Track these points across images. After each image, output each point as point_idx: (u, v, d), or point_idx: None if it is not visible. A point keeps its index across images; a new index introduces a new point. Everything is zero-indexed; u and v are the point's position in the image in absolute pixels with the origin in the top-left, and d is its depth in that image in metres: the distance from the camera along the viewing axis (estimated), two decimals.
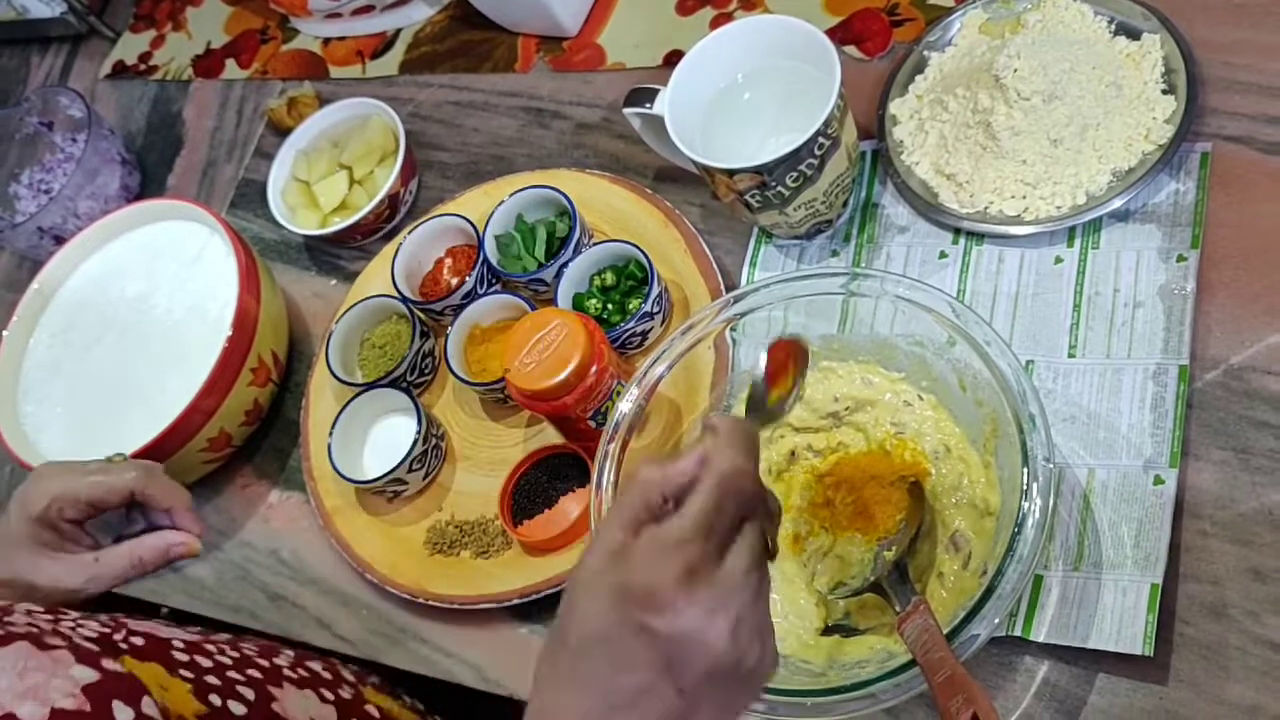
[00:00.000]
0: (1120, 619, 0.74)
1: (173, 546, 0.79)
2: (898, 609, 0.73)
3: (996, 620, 0.68)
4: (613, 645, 0.54)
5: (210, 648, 0.77)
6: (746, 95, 0.92)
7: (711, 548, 0.55)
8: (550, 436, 0.96)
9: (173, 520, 0.83)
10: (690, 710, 0.55)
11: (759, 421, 0.64)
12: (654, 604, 0.53)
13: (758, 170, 0.84)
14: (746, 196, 0.87)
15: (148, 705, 0.65)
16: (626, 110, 0.92)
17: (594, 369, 0.86)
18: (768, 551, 0.58)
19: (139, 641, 0.71)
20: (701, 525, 0.55)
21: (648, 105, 0.91)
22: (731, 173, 0.85)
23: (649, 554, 0.54)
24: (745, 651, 0.55)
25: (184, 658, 0.72)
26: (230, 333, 1.00)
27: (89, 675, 0.64)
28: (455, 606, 0.92)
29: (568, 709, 0.56)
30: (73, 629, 0.69)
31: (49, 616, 0.69)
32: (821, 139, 0.83)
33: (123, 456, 0.84)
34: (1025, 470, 0.71)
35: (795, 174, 0.85)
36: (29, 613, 0.69)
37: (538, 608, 0.91)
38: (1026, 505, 0.70)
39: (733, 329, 0.86)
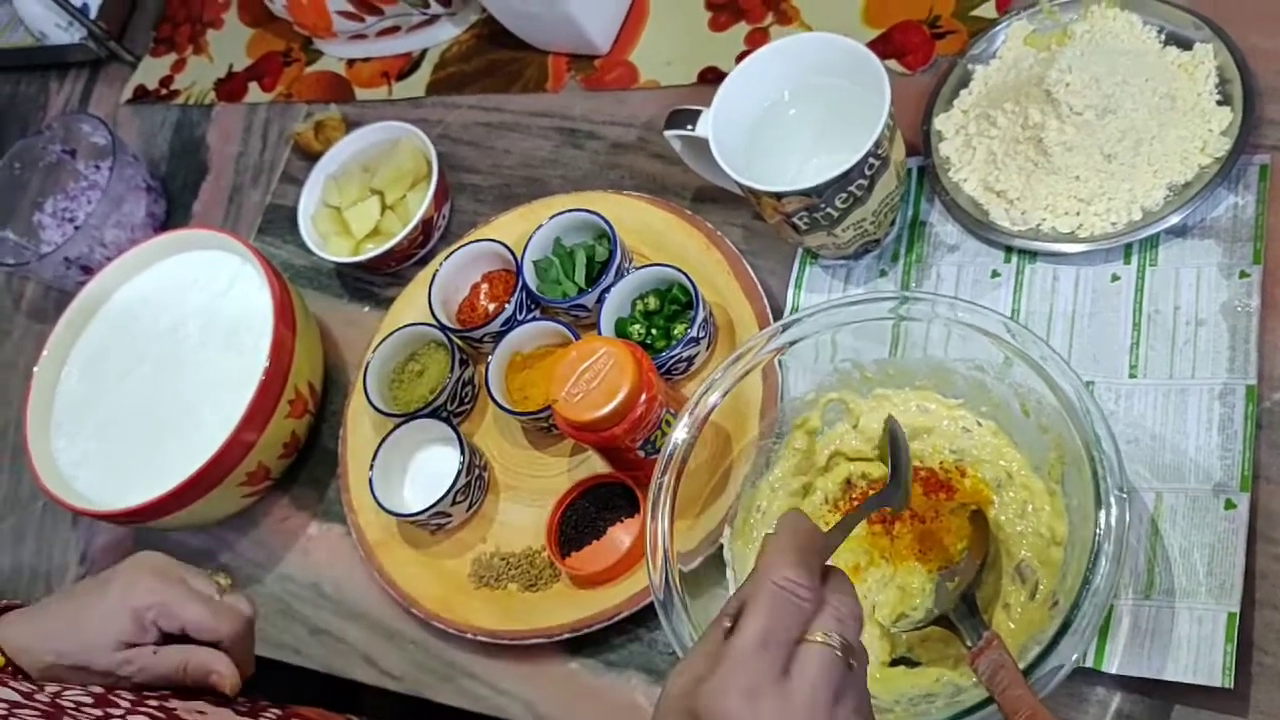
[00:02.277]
0: (1197, 649, 0.72)
1: (213, 674, 0.79)
2: (969, 644, 0.71)
3: (1074, 656, 0.66)
4: None
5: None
6: (792, 111, 0.90)
7: (771, 662, 0.53)
8: (596, 465, 0.95)
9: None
10: None
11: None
12: None
13: (807, 193, 0.82)
14: (794, 219, 0.86)
15: None
16: (668, 133, 0.91)
17: (643, 398, 0.84)
18: (846, 658, 0.55)
19: None
20: (757, 640, 0.53)
21: (690, 127, 0.89)
22: (780, 195, 0.84)
23: (713, 674, 0.53)
24: None
25: None
26: (267, 364, 0.99)
27: None
28: (504, 642, 0.91)
29: None
30: None
31: (99, 713, 0.69)
32: (872, 159, 0.81)
33: (229, 583, 0.84)
34: (1097, 501, 0.69)
35: (845, 195, 0.83)
36: (89, 689, 0.68)
37: (589, 641, 0.90)
38: (1100, 536, 0.68)
39: (781, 356, 0.85)
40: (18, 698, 0.67)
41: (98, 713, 0.70)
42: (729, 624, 0.55)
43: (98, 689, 0.74)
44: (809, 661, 0.54)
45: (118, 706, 0.72)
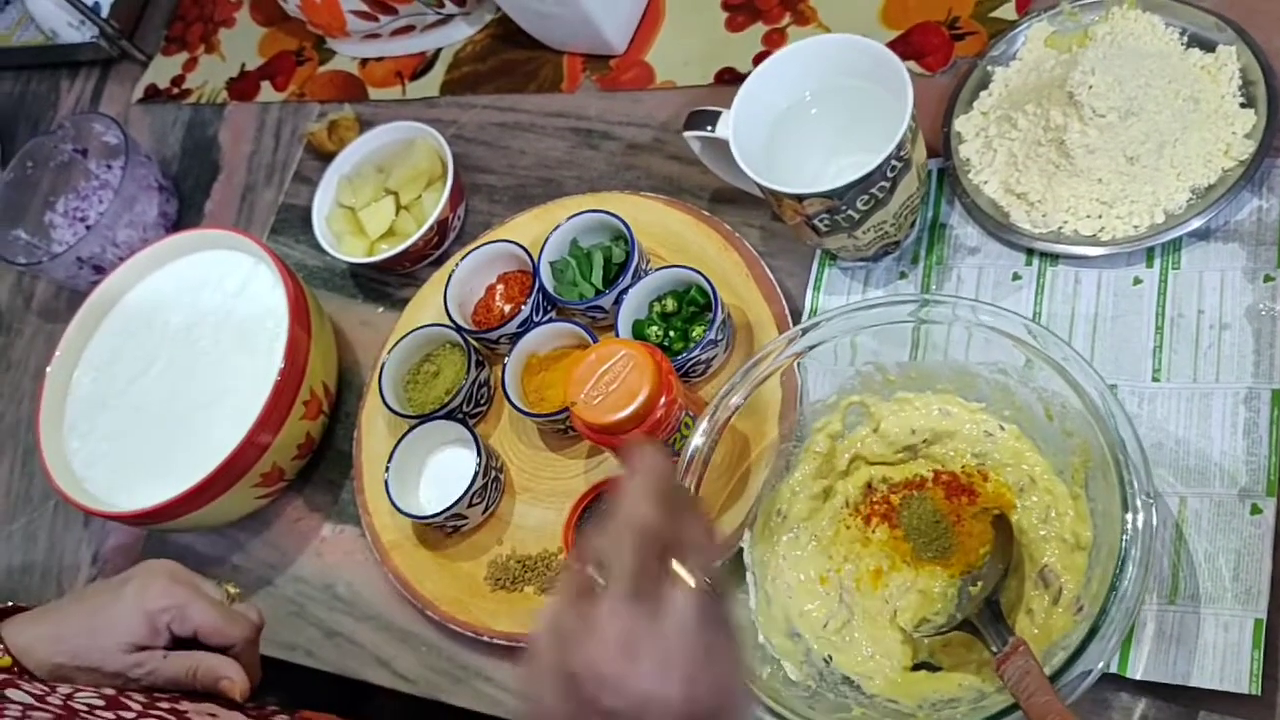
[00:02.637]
0: (1224, 655, 0.71)
1: (222, 680, 0.79)
2: (994, 649, 0.70)
3: (1102, 662, 0.66)
4: None
5: None
6: (814, 111, 0.89)
7: (643, 613, 0.54)
8: (613, 467, 0.94)
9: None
10: None
11: None
12: (603, 684, 0.53)
13: (829, 195, 0.82)
14: (815, 220, 0.85)
15: None
16: (687, 134, 0.90)
17: (662, 401, 0.83)
18: (707, 584, 0.56)
19: None
20: (625, 589, 0.54)
21: (709, 128, 0.88)
22: (801, 197, 0.83)
23: (585, 634, 0.54)
24: (706, 696, 0.54)
25: None
26: (282, 365, 0.98)
27: None
28: (520, 645, 0.90)
29: None
30: None
31: (111, 716, 0.68)
32: (895, 161, 0.81)
33: (238, 592, 0.85)
34: (1124, 505, 0.68)
35: (867, 197, 0.82)
36: (101, 691, 0.68)
37: None
38: (1127, 540, 0.68)
39: (800, 360, 0.84)
40: (31, 700, 0.66)
41: (110, 715, 0.70)
42: (591, 572, 0.55)
43: (109, 691, 0.73)
44: (679, 604, 0.54)
45: (129, 709, 0.72)
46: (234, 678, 0.79)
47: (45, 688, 0.70)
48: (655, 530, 0.55)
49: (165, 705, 0.74)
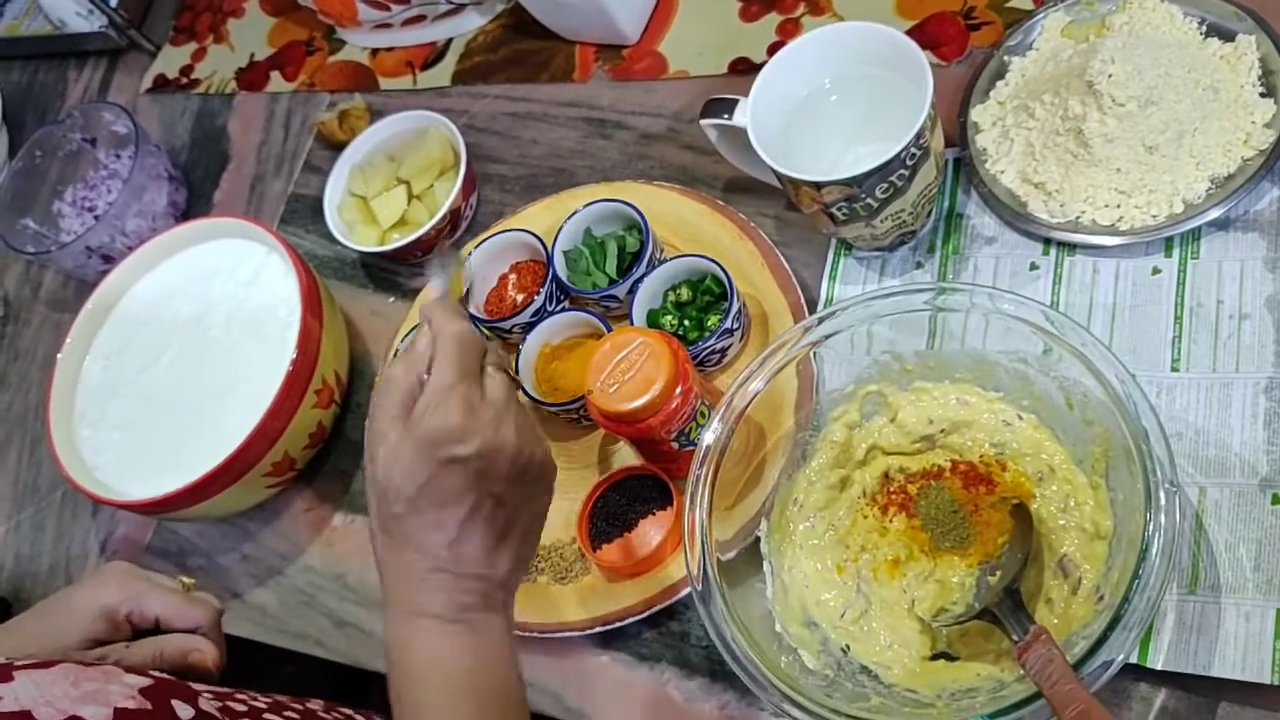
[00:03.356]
0: (1245, 645, 0.71)
1: (192, 653, 0.79)
2: (1015, 638, 0.70)
3: (1125, 651, 0.65)
4: (432, 486, 0.64)
5: (240, 698, 0.75)
6: (834, 99, 0.89)
7: (474, 386, 0.66)
8: (627, 457, 0.94)
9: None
10: (511, 511, 0.67)
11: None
12: (454, 436, 0.64)
13: (848, 183, 0.81)
14: (832, 209, 0.85)
15: (205, 702, 0.65)
16: (704, 122, 0.90)
17: (679, 390, 0.83)
18: (512, 377, 0.71)
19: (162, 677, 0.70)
20: (459, 371, 0.66)
21: (726, 116, 0.88)
22: (820, 185, 0.83)
23: (429, 409, 0.65)
24: (531, 448, 0.68)
25: (215, 703, 0.72)
26: (295, 355, 0.98)
27: (142, 680, 0.64)
28: (533, 634, 0.90)
29: (413, 567, 0.66)
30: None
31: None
32: (914, 149, 0.81)
33: (193, 583, 0.85)
34: (1148, 494, 0.68)
35: (885, 185, 0.82)
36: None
37: (619, 634, 0.89)
38: (1151, 530, 0.67)
39: (816, 350, 0.84)
40: None
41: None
42: (419, 382, 0.67)
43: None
44: (499, 382, 0.68)
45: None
46: (203, 649, 0.79)
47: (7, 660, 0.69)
48: (468, 335, 0.68)
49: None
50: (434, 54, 1.25)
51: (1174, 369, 0.81)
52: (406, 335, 1.02)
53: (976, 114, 0.94)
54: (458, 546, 0.66)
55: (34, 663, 0.63)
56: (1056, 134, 0.87)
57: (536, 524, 0.72)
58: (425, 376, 0.67)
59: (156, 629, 0.81)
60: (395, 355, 0.71)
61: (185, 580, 0.85)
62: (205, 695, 0.70)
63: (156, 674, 0.67)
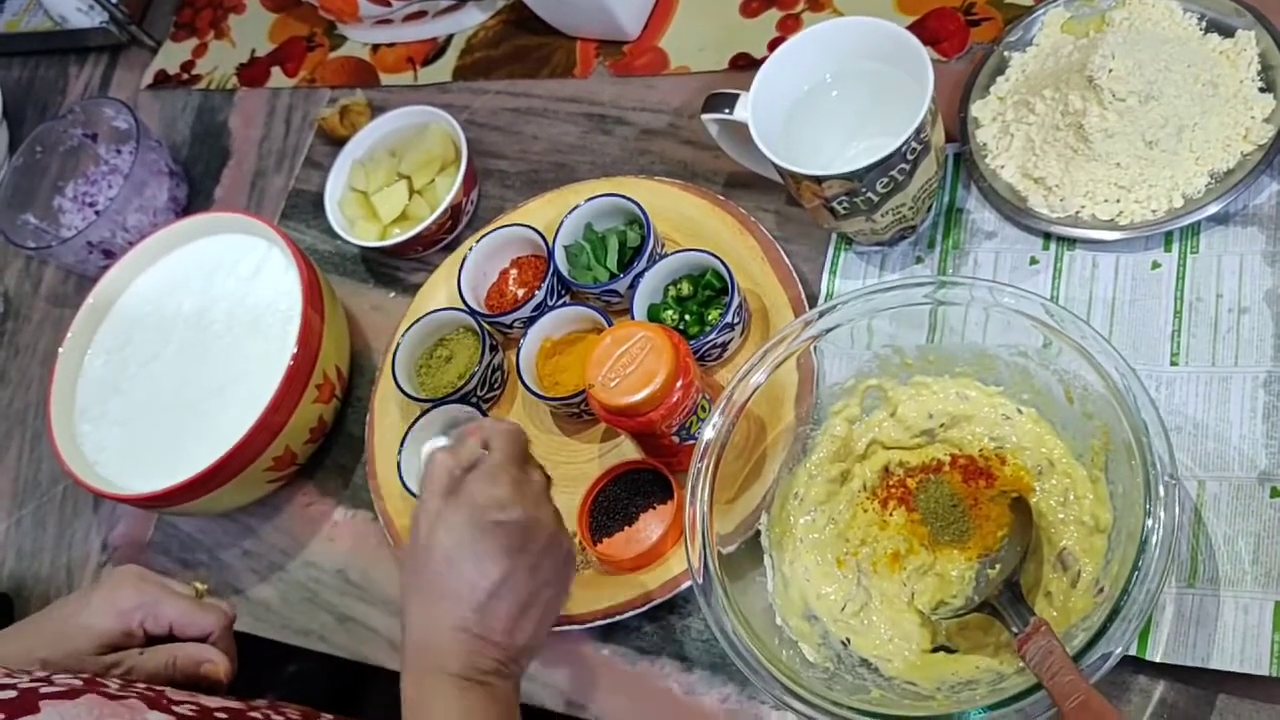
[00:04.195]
0: (1243, 638, 0.71)
1: (204, 664, 0.80)
2: (1014, 630, 0.70)
3: (1124, 643, 0.66)
4: (475, 546, 0.70)
5: (254, 715, 0.76)
6: (835, 93, 0.89)
7: (520, 469, 0.74)
8: (627, 451, 0.94)
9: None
10: (539, 586, 0.72)
11: None
12: (499, 504, 0.70)
13: (849, 177, 0.82)
14: (833, 203, 0.85)
15: None
16: (705, 116, 0.90)
17: (680, 384, 0.83)
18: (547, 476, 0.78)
19: (186, 712, 0.70)
20: (510, 457, 0.74)
21: (727, 111, 0.88)
22: (821, 179, 0.83)
23: (480, 483, 0.71)
24: (564, 530, 0.75)
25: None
26: (295, 349, 0.98)
27: (165, 718, 0.65)
28: None
29: (440, 622, 0.70)
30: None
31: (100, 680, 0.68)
32: (914, 143, 0.81)
33: (206, 588, 0.86)
34: (1148, 487, 0.68)
35: (886, 179, 0.82)
36: (78, 674, 0.68)
37: (620, 628, 0.89)
38: (1150, 523, 0.67)
39: (817, 344, 0.84)
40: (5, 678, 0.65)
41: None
42: (462, 473, 0.73)
43: (82, 678, 0.72)
44: (539, 475, 0.77)
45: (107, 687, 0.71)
46: (215, 660, 0.80)
47: (20, 671, 0.69)
48: (520, 432, 0.76)
49: (142, 685, 0.74)
50: (435, 50, 1.25)
51: (1173, 363, 0.81)
52: (406, 331, 1.02)
53: (977, 109, 0.94)
54: (486, 609, 0.70)
55: (59, 691, 0.63)
56: (1056, 129, 0.88)
57: (555, 606, 0.75)
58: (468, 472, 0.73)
59: (170, 635, 0.81)
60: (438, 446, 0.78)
61: (198, 586, 0.86)
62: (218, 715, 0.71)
63: (179, 711, 0.68)
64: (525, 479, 0.74)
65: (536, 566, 0.72)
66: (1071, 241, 0.88)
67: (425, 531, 0.71)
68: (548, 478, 0.78)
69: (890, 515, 0.83)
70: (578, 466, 0.96)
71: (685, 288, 0.95)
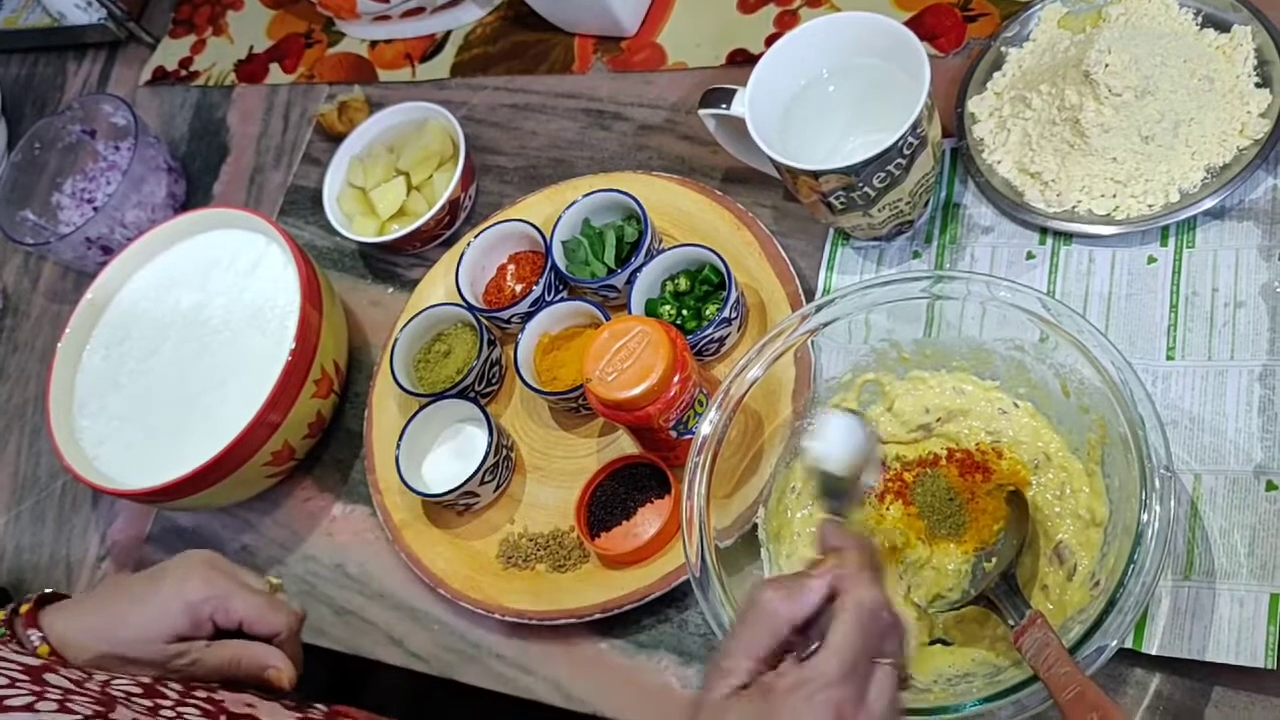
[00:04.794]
0: (1239, 630, 0.71)
1: (269, 669, 0.78)
2: (1011, 623, 0.70)
3: (1120, 635, 0.66)
4: None
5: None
6: (831, 89, 0.89)
7: (857, 689, 0.57)
8: (625, 446, 0.94)
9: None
10: None
11: (846, 512, 0.67)
12: None
13: (846, 171, 0.82)
14: (830, 198, 0.85)
15: None
16: (702, 111, 0.90)
17: (677, 378, 0.83)
18: (903, 682, 0.61)
19: None
20: (848, 666, 0.56)
21: (724, 106, 0.88)
22: (818, 174, 0.83)
23: (798, 699, 0.56)
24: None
25: None
26: (294, 345, 0.98)
27: None
28: (532, 622, 0.90)
29: None
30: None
31: (148, 703, 0.68)
32: (911, 138, 0.81)
33: (280, 583, 0.84)
34: (1144, 480, 0.68)
35: (883, 174, 0.82)
36: (128, 698, 0.67)
37: (619, 622, 0.89)
38: (1146, 516, 0.68)
39: (814, 338, 0.84)
40: (70, 685, 0.65)
41: (147, 703, 0.69)
42: (793, 634, 0.58)
43: (146, 679, 0.72)
44: (884, 684, 0.58)
45: (166, 697, 0.71)
46: (280, 666, 0.78)
47: (83, 673, 0.69)
48: (880, 613, 0.59)
49: (202, 694, 0.74)
50: (433, 46, 1.25)
51: (1169, 357, 0.81)
52: (404, 326, 1.02)
53: (973, 104, 0.94)
54: None
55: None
56: (1053, 124, 0.88)
57: None
58: (798, 637, 0.59)
59: (239, 629, 0.80)
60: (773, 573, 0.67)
61: (272, 581, 0.84)
62: None
63: None
64: (858, 708, 0.57)
65: None
66: (1068, 236, 0.88)
67: (710, 709, 0.57)
68: (904, 679, 0.63)
69: (887, 509, 0.83)
70: (576, 461, 0.96)
71: (683, 283, 0.96)
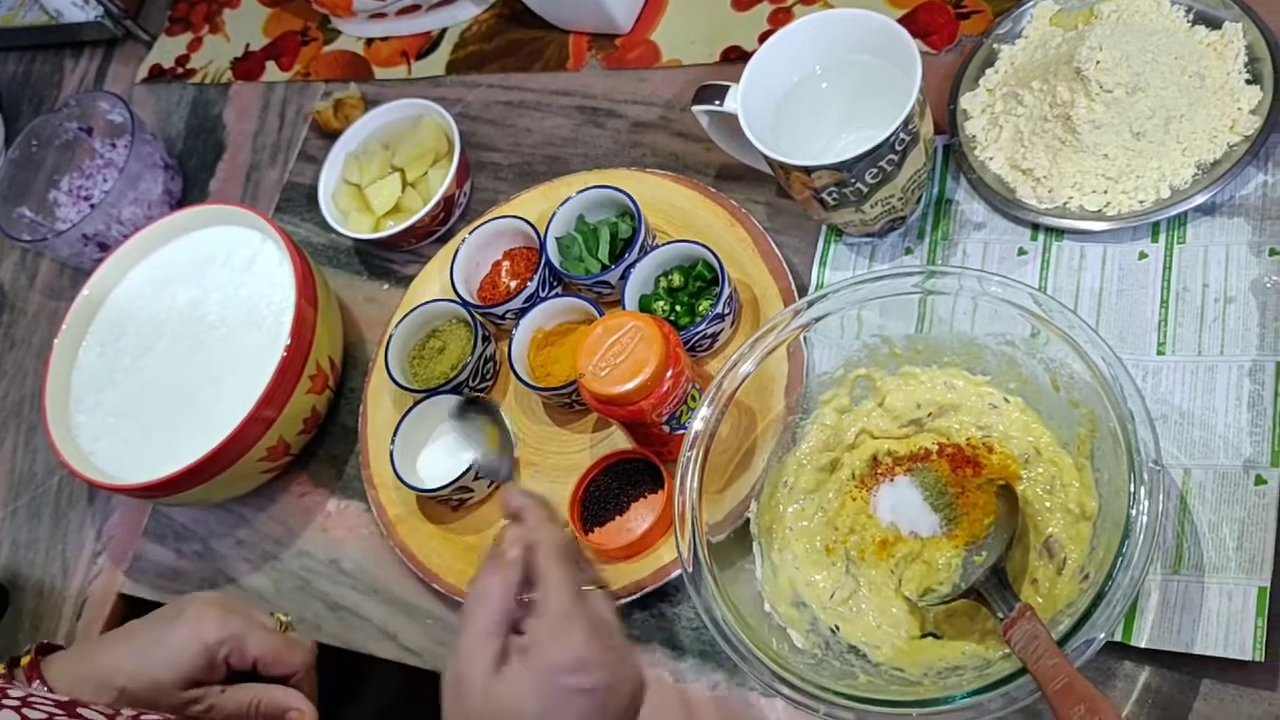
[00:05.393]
0: (1227, 623, 0.72)
1: (290, 711, 0.77)
2: (1000, 615, 0.71)
3: (1108, 628, 0.66)
4: (551, 716, 0.62)
5: None
6: (824, 85, 0.90)
7: (586, 613, 0.65)
8: (618, 441, 0.95)
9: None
10: None
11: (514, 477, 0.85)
12: (582, 667, 0.63)
13: (838, 167, 0.82)
14: (823, 194, 0.86)
15: None
16: (696, 108, 0.91)
17: (670, 373, 0.84)
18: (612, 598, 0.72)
19: None
20: (573, 595, 0.65)
21: (718, 102, 0.89)
22: (810, 170, 0.83)
23: (552, 643, 0.64)
24: (637, 658, 0.68)
25: None
26: (289, 340, 0.99)
27: None
28: None
29: None
30: None
31: None
32: (903, 134, 0.81)
33: (289, 620, 0.83)
34: (1132, 473, 0.69)
35: (875, 170, 0.83)
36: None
37: None
38: (1135, 510, 0.68)
39: (806, 333, 0.84)
40: (101, 719, 0.65)
41: None
42: (518, 598, 0.67)
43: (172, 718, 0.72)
44: (602, 603, 0.68)
45: None
46: (302, 708, 0.78)
47: (111, 709, 0.67)
48: (568, 546, 0.69)
49: None
50: (428, 43, 1.26)
51: (1159, 352, 0.82)
52: (399, 323, 1.02)
53: (966, 101, 0.95)
54: None
55: None
56: (1045, 120, 0.88)
57: None
58: (518, 594, 0.66)
59: (253, 670, 0.79)
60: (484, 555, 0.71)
61: (281, 618, 0.83)
62: None
63: None
64: (598, 619, 0.65)
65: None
66: (1059, 232, 0.88)
67: (482, 694, 0.63)
68: (604, 585, 0.71)
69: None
70: (569, 457, 0.97)
71: (676, 279, 0.96)
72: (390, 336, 1.02)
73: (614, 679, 0.64)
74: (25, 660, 0.77)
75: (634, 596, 0.87)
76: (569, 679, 0.63)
